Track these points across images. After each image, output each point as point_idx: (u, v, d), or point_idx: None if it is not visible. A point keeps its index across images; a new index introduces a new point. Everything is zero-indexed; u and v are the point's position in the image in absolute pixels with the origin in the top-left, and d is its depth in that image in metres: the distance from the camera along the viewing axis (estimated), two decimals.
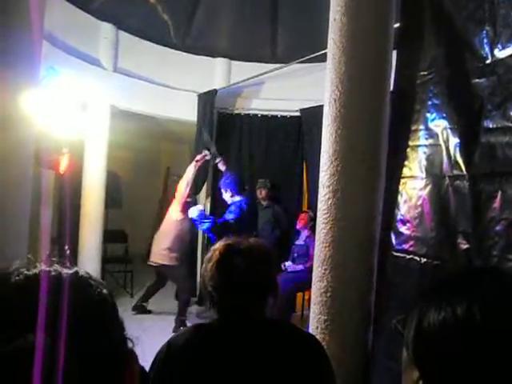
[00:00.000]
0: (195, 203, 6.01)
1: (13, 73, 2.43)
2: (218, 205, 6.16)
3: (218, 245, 1.37)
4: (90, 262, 5.41)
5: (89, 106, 5.52)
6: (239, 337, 1.30)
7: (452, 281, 0.69)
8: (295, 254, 5.26)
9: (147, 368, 1.30)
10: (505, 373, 0.56)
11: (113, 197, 6.21)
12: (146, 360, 1.27)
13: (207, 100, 5.89)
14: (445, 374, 0.60)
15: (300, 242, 5.28)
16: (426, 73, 2.22)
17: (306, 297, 5.21)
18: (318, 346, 1.40)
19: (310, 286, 2.55)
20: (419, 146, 2.23)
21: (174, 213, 5.28)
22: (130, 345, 0.63)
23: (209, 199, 6.29)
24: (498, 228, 1.73)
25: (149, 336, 4.46)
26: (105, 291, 0.60)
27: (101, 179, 5.70)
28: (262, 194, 5.64)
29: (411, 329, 0.67)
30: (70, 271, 0.59)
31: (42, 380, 0.48)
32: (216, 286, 1.30)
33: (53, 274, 0.57)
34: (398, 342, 2.14)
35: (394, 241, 2.32)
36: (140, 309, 5.51)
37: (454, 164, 1.99)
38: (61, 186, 5.35)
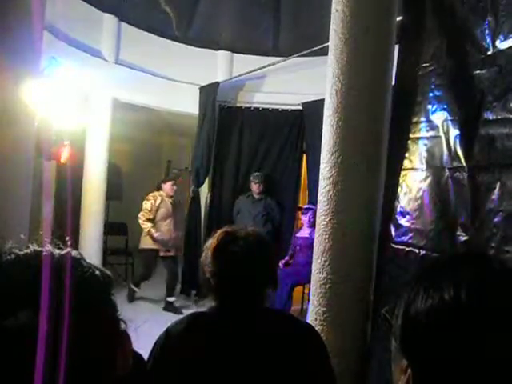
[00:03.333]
0: (198, 197, 6.03)
1: (14, 64, 2.43)
2: (220, 198, 6.19)
3: (218, 232, 1.38)
4: (90, 253, 5.42)
5: (90, 97, 5.52)
6: (236, 325, 1.30)
7: (438, 268, 0.69)
8: (297, 247, 5.27)
9: (146, 356, 1.31)
10: (494, 356, 0.56)
11: (113, 189, 6.20)
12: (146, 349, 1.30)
13: (209, 93, 5.88)
14: (433, 360, 0.60)
15: (303, 234, 5.28)
16: (427, 64, 2.21)
17: (306, 290, 5.23)
18: (315, 335, 1.40)
19: (309, 280, 2.56)
20: (420, 138, 2.23)
21: None
22: (122, 326, 0.64)
23: (209, 194, 6.30)
24: (496, 219, 1.73)
25: (149, 326, 4.48)
26: (97, 272, 0.61)
27: (102, 171, 5.72)
28: (259, 188, 5.71)
29: (398, 317, 0.67)
30: (62, 252, 0.60)
31: (34, 356, 0.49)
32: (213, 273, 1.31)
33: (44, 253, 0.58)
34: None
35: (393, 233, 2.32)
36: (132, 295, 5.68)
37: (453, 156, 1.99)
38: (62, 178, 5.36)
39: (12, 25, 2.45)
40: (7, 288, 0.54)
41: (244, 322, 1.31)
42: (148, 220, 5.49)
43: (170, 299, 5.54)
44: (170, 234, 5.58)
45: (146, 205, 5.52)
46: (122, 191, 6.84)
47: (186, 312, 4.99)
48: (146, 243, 5.53)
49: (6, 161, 2.48)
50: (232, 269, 1.30)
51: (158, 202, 5.56)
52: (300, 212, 5.69)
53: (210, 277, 1.32)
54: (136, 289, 5.70)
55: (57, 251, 0.60)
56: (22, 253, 0.58)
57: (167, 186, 5.67)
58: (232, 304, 1.33)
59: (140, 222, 5.50)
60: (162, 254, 5.54)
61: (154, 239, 5.45)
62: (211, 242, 1.35)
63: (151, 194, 5.64)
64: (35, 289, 0.53)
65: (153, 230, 5.43)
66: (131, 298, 5.65)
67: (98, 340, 0.56)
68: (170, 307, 5.48)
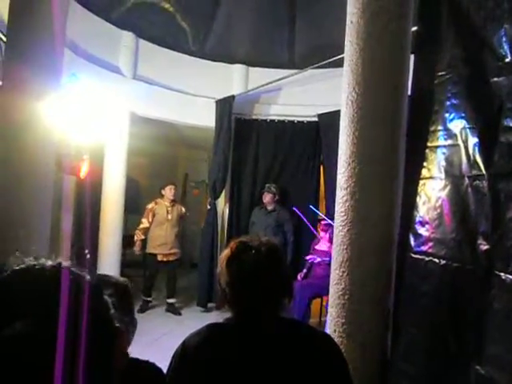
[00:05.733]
0: (215, 209, 6.05)
1: (36, 80, 2.50)
2: (238, 210, 6.20)
3: (232, 242, 1.39)
4: (109, 266, 5.48)
5: (109, 112, 5.61)
6: (252, 335, 1.30)
7: None
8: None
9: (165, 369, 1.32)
10: None
11: (131, 202, 6.27)
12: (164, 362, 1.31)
13: (225, 106, 5.94)
14: None
15: (322, 247, 5.22)
16: (444, 73, 2.20)
17: (324, 303, 5.18)
18: (332, 344, 1.39)
19: (328, 292, 2.53)
20: (438, 146, 2.21)
21: None
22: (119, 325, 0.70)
23: (227, 205, 6.32)
24: None
25: (167, 338, 4.49)
26: (88, 278, 0.67)
27: (120, 185, 5.78)
28: (272, 198, 5.70)
29: None
30: (54, 263, 0.66)
31: (31, 362, 0.54)
32: (227, 282, 1.31)
33: (37, 267, 0.64)
34: (416, 345, 2.11)
35: (412, 242, 2.29)
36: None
37: (473, 164, 1.97)
38: (81, 192, 5.44)
39: (34, 43, 2.53)
40: (5, 301, 0.59)
41: (259, 332, 1.31)
42: (142, 229, 5.81)
43: (170, 301, 5.85)
44: (166, 238, 5.74)
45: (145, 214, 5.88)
46: (139, 204, 6.90)
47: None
48: (148, 248, 5.83)
49: (27, 175, 2.54)
50: (244, 278, 1.31)
51: (154, 208, 5.82)
52: (319, 224, 5.62)
53: (224, 287, 1.33)
54: (148, 299, 5.82)
55: (49, 263, 0.66)
56: (18, 268, 0.63)
57: (167, 191, 5.86)
58: (246, 314, 1.33)
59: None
60: (159, 258, 5.75)
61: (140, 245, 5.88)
62: (225, 252, 1.36)
63: (151, 204, 5.88)
64: (32, 300, 0.59)
65: (138, 241, 5.84)
66: (143, 308, 5.76)
67: (92, 337, 0.60)
68: (170, 308, 5.81)
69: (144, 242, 5.91)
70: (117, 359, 0.66)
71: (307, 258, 5.11)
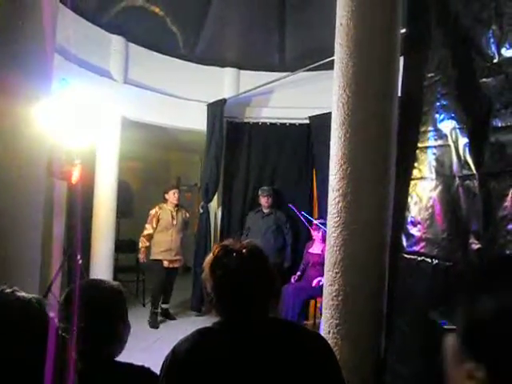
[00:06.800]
0: (207, 212, 6.04)
1: (26, 85, 2.48)
2: (230, 213, 6.20)
3: (214, 247, 1.40)
4: (101, 271, 5.45)
5: (100, 116, 5.59)
6: (241, 337, 1.30)
7: (497, 267, 0.67)
8: (310, 263, 5.20)
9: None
10: None
11: (124, 207, 6.23)
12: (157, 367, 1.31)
13: (216, 109, 5.94)
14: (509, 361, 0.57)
15: (316, 250, 5.20)
16: (433, 74, 2.22)
17: (318, 304, 5.18)
18: (325, 345, 1.39)
19: (321, 294, 2.54)
20: (428, 147, 2.23)
21: None
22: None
23: (220, 208, 6.31)
24: (509, 227, 1.72)
25: (159, 344, 4.47)
26: (33, 300, 0.80)
27: (112, 189, 5.75)
28: (268, 201, 5.69)
29: (463, 318, 0.64)
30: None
31: None
32: (212, 287, 1.32)
33: None
34: (409, 344, 2.11)
35: (404, 243, 2.31)
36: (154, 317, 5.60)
37: (463, 164, 1.99)
38: (73, 197, 5.41)
39: (24, 48, 2.51)
40: None
41: (247, 333, 1.31)
42: (147, 235, 5.61)
43: (165, 306, 5.73)
44: (171, 244, 5.58)
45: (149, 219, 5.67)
46: (132, 208, 6.86)
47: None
48: (152, 254, 5.65)
49: (18, 180, 2.52)
50: (227, 282, 1.31)
51: (158, 213, 5.63)
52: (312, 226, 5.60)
53: (210, 291, 1.33)
54: (156, 310, 5.52)
55: None
56: None
57: (171, 195, 5.68)
58: (233, 317, 1.34)
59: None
60: (165, 265, 5.55)
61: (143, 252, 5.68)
62: (209, 258, 1.37)
63: (154, 209, 5.70)
64: None
65: (143, 248, 5.63)
66: (154, 322, 5.42)
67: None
68: (164, 313, 5.69)
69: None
70: (66, 362, 0.77)
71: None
